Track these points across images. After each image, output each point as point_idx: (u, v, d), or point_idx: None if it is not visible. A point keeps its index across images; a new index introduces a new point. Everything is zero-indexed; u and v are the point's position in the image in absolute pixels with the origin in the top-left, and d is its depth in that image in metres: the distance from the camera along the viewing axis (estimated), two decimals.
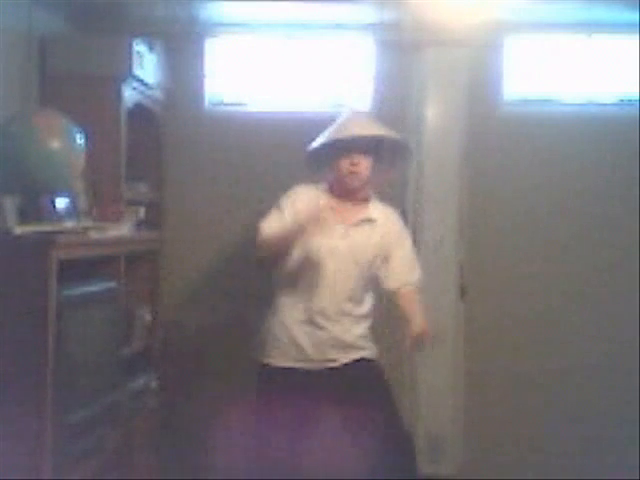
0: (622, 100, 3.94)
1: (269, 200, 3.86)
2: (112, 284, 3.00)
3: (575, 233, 3.91)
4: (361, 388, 2.83)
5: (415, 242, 3.83)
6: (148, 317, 3.64)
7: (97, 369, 2.87)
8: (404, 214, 3.85)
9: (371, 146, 2.83)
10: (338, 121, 2.89)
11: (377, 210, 2.91)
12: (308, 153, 2.92)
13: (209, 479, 3.85)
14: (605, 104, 3.94)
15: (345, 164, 2.79)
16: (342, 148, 2.79)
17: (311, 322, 2.81)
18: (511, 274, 3.90)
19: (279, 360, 2.86)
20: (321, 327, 2.81)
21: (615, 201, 3.89)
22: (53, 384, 2.45)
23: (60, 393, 2.49)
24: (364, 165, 2.80)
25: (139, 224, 3.55)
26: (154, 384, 3.60)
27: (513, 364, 3.91)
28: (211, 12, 3.72)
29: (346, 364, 2.84)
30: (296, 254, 2.79)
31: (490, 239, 3.91)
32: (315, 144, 2.87)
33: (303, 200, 2.81)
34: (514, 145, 3.91)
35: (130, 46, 3.21)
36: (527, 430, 3.90)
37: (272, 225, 2.79)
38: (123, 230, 3.17)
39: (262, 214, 3.84)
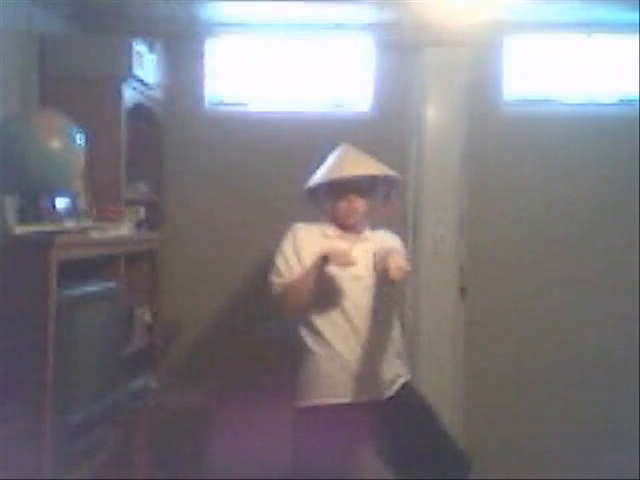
0: (622, 100, 3.94)
1: (269, 200, 3.90)
2: (112, 284, 3.00)
3: (575, 233, 3.91)
4: (407, 414, 2.81)
5: (415, 242, 3.86)
6: (148, 317, 3.64)
7: (97, 369, 2.87)
8: (404, 214, 3.87)
9: (367, 183, 2.85)
10: (333, 159, 2.88)
11: (373, 233, 2.95)
12: (306, 190, 2.92)
13: (209, 479, 3.85)
14: (605, 104, 3.94)
15: (343, 204, 2.82)
16: (339, 188, 2.81)
17: (352, 357, 2.77)
18: (511, 274, 3.90)
19: (326, 399, 2.76)
20: (363, 363, 2.76)
21: (615, 201, 3.89)
22: (53, 384, 2.45)
23: (60, 393, 2.49)
24: (361, 203, 2.84)
25: (139, 224, 3.56)
26: (154, 384, 3.60)
27: (513, 364, 3.91)
28: (211, 12, 3.72)
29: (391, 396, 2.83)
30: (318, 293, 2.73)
31: (490, 239, 3.91)
32: (311, 183, 2.87)
33: (303, 238, 2.81)
34: (514, 145, 3.91)
35: (130, 46, 3.21)
36: (527, 430, 3.90)
37: (284, 277, 2.75)
38: (123, 230, 3.17)
39: (262, 214, 3.88)
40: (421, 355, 3.85)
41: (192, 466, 3.89)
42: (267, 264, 3.88)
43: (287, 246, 2.81)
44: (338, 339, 2.74)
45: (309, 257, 2.72)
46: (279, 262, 2.79)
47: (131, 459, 3.26)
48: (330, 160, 2.89)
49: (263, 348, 3.87)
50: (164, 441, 3.82)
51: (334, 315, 2.75)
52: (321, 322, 2.76)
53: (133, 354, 3.38)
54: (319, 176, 2.87)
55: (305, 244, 2.78)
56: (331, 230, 2.86)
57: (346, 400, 2.73)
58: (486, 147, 3.89)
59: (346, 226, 2.87)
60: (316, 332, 2.76)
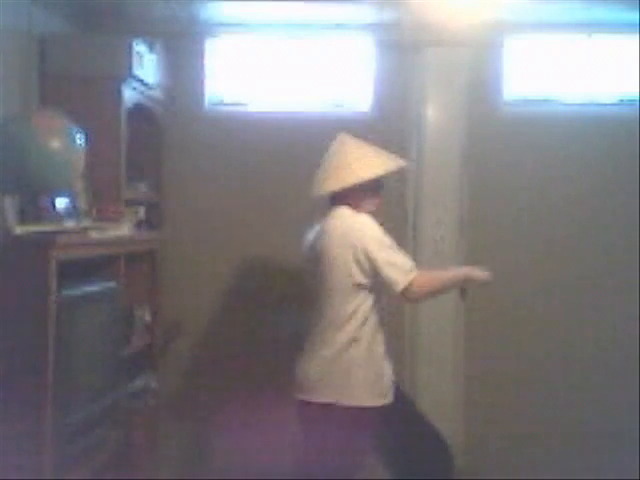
0: (622, 100, 3.94)
1: (269, 200, 3.90)
2: (112, 284, 3.00)
3: (575, 233, 3.91)
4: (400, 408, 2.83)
5: (415, 242, 3.86)
6: (148, 317, 3.64)
7: (97, 369, 2.87)
8: (404, 214, 3.87)
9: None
10: (357, 152, 2.82)
11: None
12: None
13: (209, 479, 3.85)
14: (605, 104, 3.94)
15: (374, 198, 2.83)
16: (374, 182, 2.79)
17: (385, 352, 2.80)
18: (511, 274, 3.90)
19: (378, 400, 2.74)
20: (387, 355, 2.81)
21: (615, 201, 3.89)
22: (53, 384, 2.45)
23: (60, 393, 2.49)
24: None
25: (139, 224, 3.56)
26: (154, 384, 3.61)
27: (513, 364, 3.91)
28: (211, 12, 3.72)
29: None
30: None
31: (490, 239, 3.90)
32: (351, 180, 2.76)
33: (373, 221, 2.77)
34: (514, 145, 3.91)
35: (130, 46, 3.21)
36: (527, 430, 3.90)
37: (412, 263, 2.68)
38: (123, 230, 3.17)
39: (262, 214, 3.88)
40: (421, 355, 3.85)
41: (192, 466, 3.89)
42: (267, 264, 3.91)
43: (383, 237, 2.70)
44: (379, 342, 2.76)
45: None
46: (394, 255, 2.67)
47: (131, 459, 3.26)
48: (351, 152, 2.81)
49: (263, 348, 3.87)
50: (164, 441, 3.83)
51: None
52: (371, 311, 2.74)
53: (133, 354, 3.38)
54: (366, 171, 2.77)
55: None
56: None
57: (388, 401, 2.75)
58: (486, 147, 3.89)
59: None
60: (368, 324, 2.73)
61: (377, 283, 2.68)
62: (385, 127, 3.84)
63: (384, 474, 2.88)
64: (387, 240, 2.69)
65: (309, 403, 2.71)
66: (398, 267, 2.65)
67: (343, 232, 2.70)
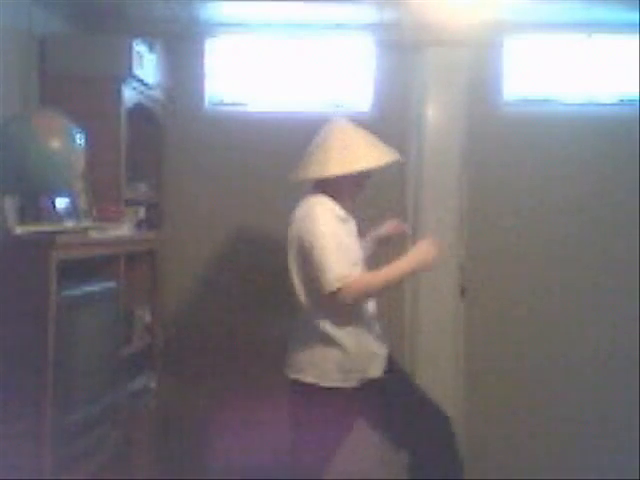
0: (622, 100, 3.94)
1: (269, 200, 3.89)
2: (112, 284, 3.00)
3: (575, 233, 3.91)
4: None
5: (415, 242, 3.85)
6: (148, 317, 3.64)
7: (97, 369, 2.87)
8: (404, 214, 3.86)
9: None
10: (344, 138, 2.80)
11: None
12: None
13: (208, 479, 3.85)
14: (605, 104, 3.94)
15: (357, 186, 2.82)
16: (349, 177, 2.75)
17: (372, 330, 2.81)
18: (511, 274, 3.90)
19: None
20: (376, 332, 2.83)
21: (615, 201, 3.89)
22: (53, 384, 2.45)
23: (60, 393, 2.49)
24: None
25: (139, 224, 3.56)
26: (154, 384, 3.61)
27: (513, 364, 3.91)
28: (211, 12, 3.72)
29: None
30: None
31: (490, 239, 3.91)
32: (327, 172, 2.74)
33: (333, 210, 2.72)
34: (514, 145, 3.91)
35: (130, 46, 3.21)
36: (527, 430, 3.90)
37: (344, 270, 2.59)
38: (123, 230, 3.17)
39: (262, 214, 3.88)
40: (421, 355, 3.85)
41: (192, 466, 3.89)
42: (267, 264, 3.91)
43: (325, 236, 2.63)
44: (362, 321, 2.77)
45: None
46: (328, 256, 2.59)
47: (131, 459, 3.26)
48: (338, 140, 2.79)
49: (263, 347, 3.87)
50: (164, 441, 3.83)
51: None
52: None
53: (133, 354, 3.38)
54: (337, 164, 2.74)
55: (335, 223, 2.70)
56: (339, 210, 2.76)
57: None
58: (486, 147, 3.89)
59: (347, 205, 2.82)
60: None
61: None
62: (385, 127, 3.82)
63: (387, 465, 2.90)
64: (333, 239, 2.62)
65: (295, 382, 2.76)
66: (328, 270, 2.57)
67: (295, 221, 2.72)
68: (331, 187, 2.77)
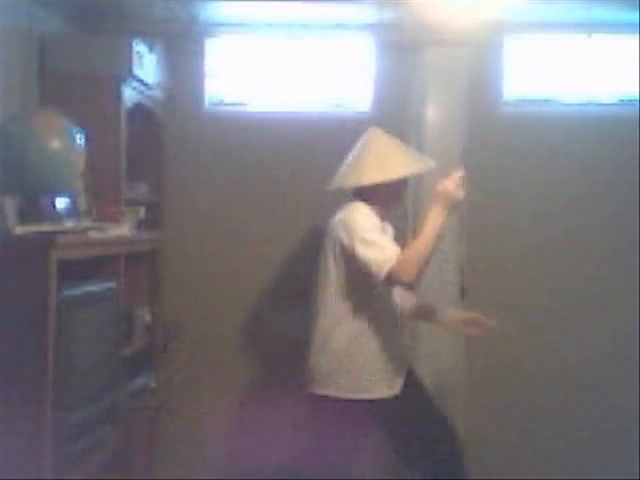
0: (622, 100, 3.94)
1: (269, 200, 3.90)
2: (112, 284, 3.00)
3: (575, 233, 3.90)
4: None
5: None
6: (148, 317, 3.64)
7: (97, 369, 2.87)
8: (404, 214, 3.86)
9: None
10: (390, 147, 2.86)
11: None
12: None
13: (208, 479, 3.85)
14: (605, 104, 3.93)
15: (399, 192, 2.89)
16: (388, 184, 2.80)
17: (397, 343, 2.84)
18: (511, 274, 3.90)
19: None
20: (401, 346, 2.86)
21: (615, 201, 3.89)
22: (53, 384, 2.45)
23: (60, 393, 2.49)
24: None
25: (139, 224, 3.56)
26: (154, 384, 3.60)
27: (513, 363, 3.91)
28: (211, 12, 3.72)
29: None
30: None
31: (490, 239, 3.90)
32: (363, 181, 2.78)
33: (370, 215, 2.76)
34: (514, 145, 3.91)
35: (130, 46, 3.21)
36: (527, 430, 3.90)
37: (393, 250, 2.61)
38: (123, 230, 3.17)
39: (263, 214, 3.88)
40: (421, 355, 3.84)
41: (192, 466, 3.89)
42: (267, 263, 3.91)
43: (367, 230, 2.66)
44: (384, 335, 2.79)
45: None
46: (374, 245, 2.61)
47: (131, 459, 3.26)
48: (375, 150, 2.84)
49: (263, 347, 3.87)
50: (164, 441, 3.83)
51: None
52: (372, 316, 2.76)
53: (133, 354, 3.38)
54: (382, 173, 2.78)
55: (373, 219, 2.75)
56: (375, 217, 2.80)
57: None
58: (486, 147, 3.89)
59: (383, 213, 2.86)
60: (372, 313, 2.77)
61: (358, 274, 2.65)
62: (385, 127, 3.82)
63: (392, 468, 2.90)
64: (371, 231, 2.65)
65: (318, 396, 2.74)
66: (373, 259, 2.58)
67: (332, 228, 2.74)
68: (368, 196, 2.81)
